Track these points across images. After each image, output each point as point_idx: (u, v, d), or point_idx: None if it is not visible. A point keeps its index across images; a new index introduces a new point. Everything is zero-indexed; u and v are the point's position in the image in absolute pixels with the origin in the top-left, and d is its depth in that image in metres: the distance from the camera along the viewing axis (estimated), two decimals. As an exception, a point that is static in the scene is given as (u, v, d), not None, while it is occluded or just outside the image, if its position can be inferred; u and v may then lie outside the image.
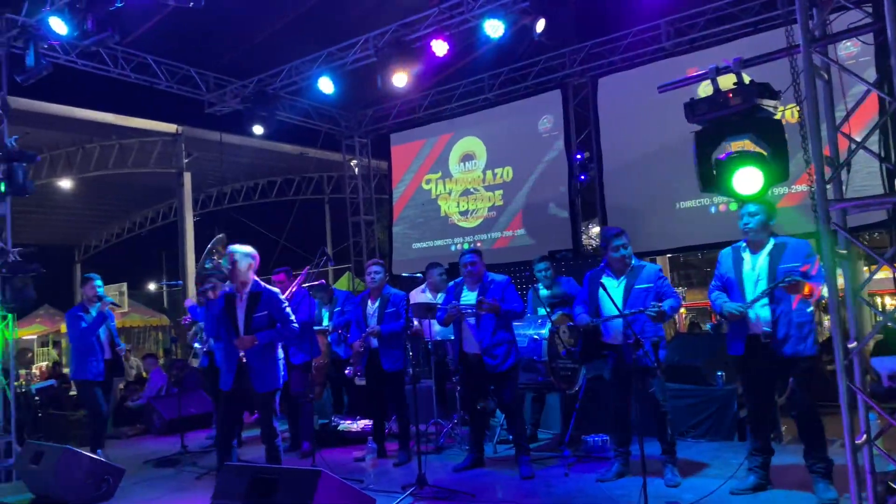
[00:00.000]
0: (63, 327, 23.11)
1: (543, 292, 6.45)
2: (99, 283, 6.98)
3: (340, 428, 7.12)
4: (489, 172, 10.66)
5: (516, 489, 5.07)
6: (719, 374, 6.42)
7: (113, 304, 7.24)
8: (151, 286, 27.81)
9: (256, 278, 4.90)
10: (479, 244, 10.59)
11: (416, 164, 11.49)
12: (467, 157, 10.90)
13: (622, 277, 4.95)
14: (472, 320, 5.45)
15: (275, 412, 4.81)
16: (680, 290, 23.13)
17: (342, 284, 17.21)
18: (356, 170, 12.94)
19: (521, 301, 5.46)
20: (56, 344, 24.55)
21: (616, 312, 4.60)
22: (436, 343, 6.67)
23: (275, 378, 4.81)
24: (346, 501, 3.90)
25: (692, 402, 6.37)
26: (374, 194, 13.11)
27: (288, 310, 4.88)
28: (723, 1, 8.50)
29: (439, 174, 11.20)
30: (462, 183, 10.91)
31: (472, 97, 10.78)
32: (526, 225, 10.24)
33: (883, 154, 3.06)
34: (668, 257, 14.77)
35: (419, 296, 6.90)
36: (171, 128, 14.63)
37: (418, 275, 5.55)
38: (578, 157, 10.00)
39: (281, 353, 4.95)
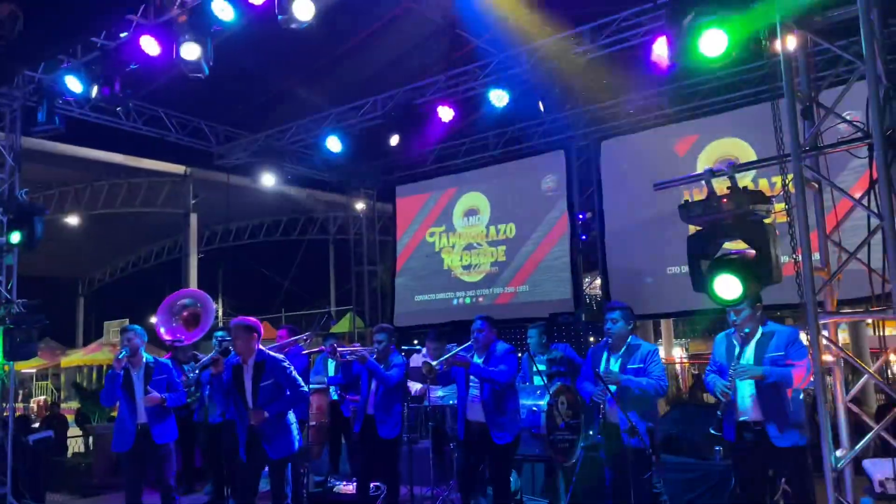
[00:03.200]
0: (63, 361, 23.09)
1: (541, 367, 6.45)
2: None
3: (336, 490, 7.09)
4: (492, 228, 10.76)
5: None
6: (717, 448, 6.40)
7: None
8: (154, 320, 27.85)
9: (260, 347, 4.99)
10: (480, 299, 10.64)
11: (421, 216, 11.61)
12: (471, 212, 11.02)
13: (619, 355, 4.98)
14: (475, 390, 5.47)
15: (287, 479, 4.91)
16: (683, 341, 23.02)
17: (343, 325, 17.26)
18: (361, 214, 13.05)
19: (509, 373, 5.35)
20: (55, 377, 24.49)
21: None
22: (434, 407, 6.68)
23: (289, 443, 4.92)
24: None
25: (689, 477, 6.35)
26: (378, 236, 13.22)
27: (294, 374, 4.97)
28: (725, 71, 8.66)
29: (443, 227, 11.31)
30: (465, 237, 11.01)
31: (477, 153, 10.94)
32: (528, 282, 10.30)
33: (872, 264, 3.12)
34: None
35: (419, 360, 6.93)
36: (179, 169, 14.84)
37: (417, 347, 5.58)
38: (581, 216, 10.10)
39: (293, 418, 5.04)
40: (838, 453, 3.07)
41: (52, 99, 7.47)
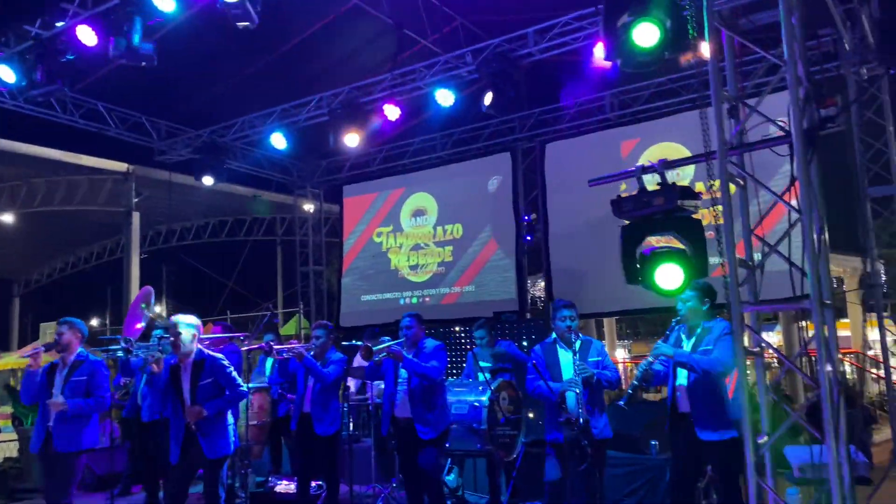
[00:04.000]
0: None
1: (485, 364, 6.50)
2: None
3: (277, 489, 7.02)
4: (440, 228, 10.81)
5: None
6: (653, 443, 6.57)
7: None
8: (94, 322, 27.04)
9: (200, 346, 4.92)
10: (427, 299, 10.68)
11: (368, 216, 11.60)
12: (418, 213, 11.06)
13: (573, 350, 5.03)
14: (403, 386, 5.49)
15: (222, 481, 4.83)
16: (625, 342, 23.60)
17: (290, 328, 17.06)
18: (308, 216, 12.95)
19: (440, 369, 5.41)
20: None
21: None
22: (377, 405, 6.68)
23: (226, 444, 4.83)
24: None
25: (627, 471, 6.49)
26: (325, 237, 13.13)
27: (234, 373, 4.91)
28: (665, 77, 8.92)
29: (390, 228, 11.31)
30: (412, 238, 11.04)
31: (424, 154, 11.00)
32: (474, 282, 10.38)
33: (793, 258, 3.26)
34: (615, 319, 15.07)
35: (360, 361, 6.92)
36: (121, 166, 14.42)
37: (359, 343, 5.56)
38: (526, 218, 10.23)
39: (231, 419, 4.97)
40: (760, 440, 3.19)
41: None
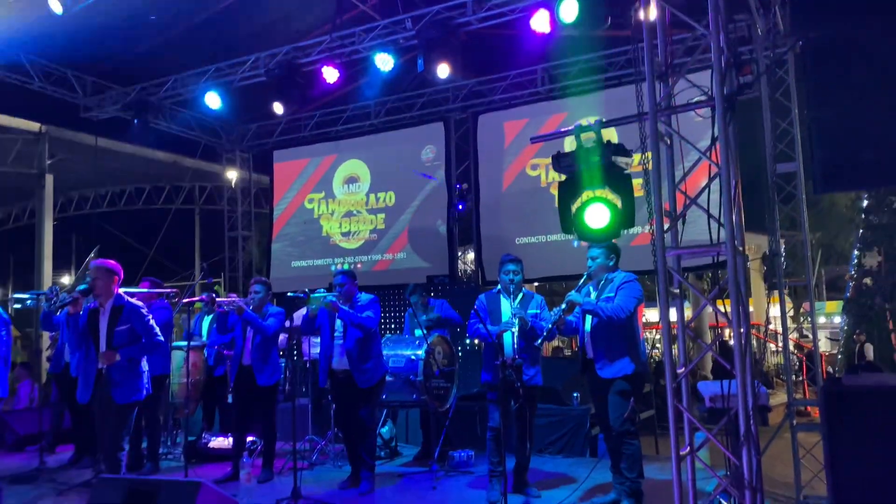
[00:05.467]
0: None
1: (423, 317, 6.75)
2: None
3: (211, 445, 7.10)
4: (372, 196, 10.95)
5: (387, 501, 5.35)
6: (575, 395, 7.04)
7: None
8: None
9: (120, 292, 5.01)
10: (359, 265, 10.83)
11: (300, 182, 11.60)
12: (351, 180, 11.15)
13: (516, 301, 5.37)
14: (339, 339, 5.68)
15: (127, 426, 4.90)
16: (554, 309, 24.43)
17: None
18: (232, 182, 12.79)
19: (375, 319, 5.62)
20: None
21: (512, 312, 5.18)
22: (313, 362, 6.85)
23: (136, 390, 4.94)
24: (225, 513, 4.03)
25: (550, 421, 6.94)
26: (252, 208, 13.02)
27: (152, 322, 5.02)
28: (594, 54, 9.31)
29: (322, 194, 11.36)
30: (345, 205, 11.14)
31: (358, 122, 11.06)
32: (406, 249, 10.60)
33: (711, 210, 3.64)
34: (535, 285, 15.62)
35: (299, 318, 7.04)
36: (33, 126, 13.77)
37: (301, 295, 5.70)
38: (457, 187, 10.51)
39: (145, 366, 5.08)
40: (679, 371, 3.57)
41: None
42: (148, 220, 20.31)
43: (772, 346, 15.94)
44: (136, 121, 9.13)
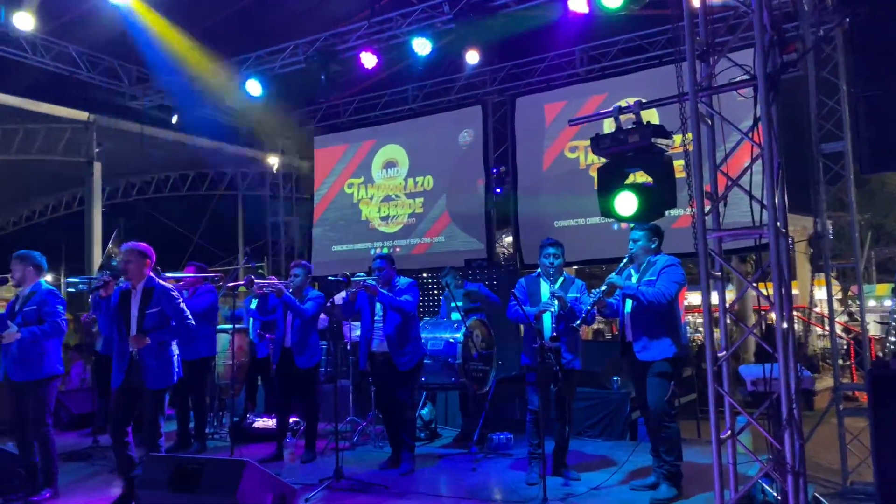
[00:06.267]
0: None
1: (459, 303, 6.78)
2: None
3: (255, 425, 7.27)
4: (410, 180, 11.00)
5: (427, 482, 5.42)
6: (615, 379, 7.01)
7: None
8: (49, 277, 26.61)
9: (152, 275, 4.95)
10: (398, 249, 10.90)
11: (339, 167, 11.71)
12: (390, 165, 11.21)
13: (556, 285, 5.37)
14: (379, 322, 5.76)
15: (163, 411, 4.82)
16: (594, 291, 24.32)
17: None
18: (274, 168, 12.98)
19: (412, 301, 5.66)
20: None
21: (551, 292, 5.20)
22: (354, 344, 6.94)
23: (168, 375, 4.84)
24: (269, 490, 4.14)
25: (589, 404, 6.93)
26: (294, 193, 13.20)
27: (182, 305, 4.93)
28: (634, 34, 9.17)
29: (362, 179, 11.45)
30: (384, 189, 11.21)
31: (396, 106, 11.11)
32: (444, 232, 10.64)
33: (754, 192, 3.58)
34: (575, 268, 15.54)
35: (340, 300, 7.14)
36: (81, 115, 14.14)
37: (341, 278, 5.77)
38: (495, 170, 10.49)
39: (175, 350, 4.99)
40: (720, 354, 3.54)
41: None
42: (193, 205, 20.73)
43: (818, 330, 15.62)
44: (176, 112, 9.29)
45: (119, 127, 13.58)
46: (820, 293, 9.52)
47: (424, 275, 9.95)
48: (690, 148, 3.54)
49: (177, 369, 4.93)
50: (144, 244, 4.98)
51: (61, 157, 15.40)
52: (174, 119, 9.76)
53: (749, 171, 3.59)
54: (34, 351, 5.03)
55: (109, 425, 4.94)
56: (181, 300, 4.97)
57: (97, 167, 15.21)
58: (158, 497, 4.17)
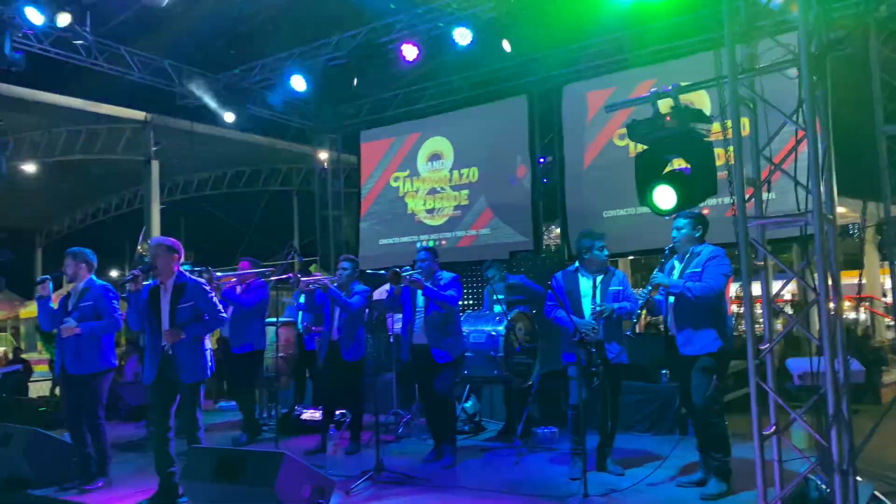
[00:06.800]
0: (23, 312, 22.79)
1: (500, 296, 6.72)
2: None
3: (303, 417, 7.37)
4: (455, 172, 10.95)
5: (469, 475, 5.40)
6: (664, 372, 6.84)
7: None
8: (114, 273, 27.57)
9: (181, 270, 4.96)
10: (443, 242, 10.89)
11: (385, 161, 11.75)
12: (435, 157, 11.19)
13: (597, 279, 5.26)
14: (420, 315, 5.75)
15: (199, 404, 4.84)
16: (640, 291, 23.79)
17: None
18: (325, 164, 13.12)
19: (455, 297, 5.67)
20: (15, 330, 24.23)
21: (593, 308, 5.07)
22: (397, 337, 6.96)
23: (202, 369, 4.83)
24: (307, 482, 4.18)
25: (638, 398, 6.78)
26: (343, 188, 13.31)
27: (215, 299, 4.91)
28: (685, 16, 8.86)
29: (407, 172, 11.47)
30: (429, 182, 11.20)
31: (441, 98, 11.04)
32: (489, 225, 10.56)
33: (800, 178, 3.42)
34: (630, 259, 15.22)
35: (383, 293, 7.17)
36: (139, 115, 14.58)
37: (382, 272, 5.80)
38: (541, 160, 10.33)
39: (208, 344, 4.98)
40: (762, 347, 3.40)
41: (12, 32, 7.37)
42: (248, 202, 21.18)
43: (888, 321, 14.95)
44: (222, 108, 9.47)
45: (175, 125, 13.97)
46: (888, 282, 9.08)
47: (467, 269, 9.87)
48: (731, 135, 3.39)
49: (210, 363, 4.92)
50: (173, 239, 5.02)
51: (121, 156, 15.95)
52: (227, 117, 9.92)
53: (795, 157, 3.42)
54: (91, 345, 5.20)
55: (149, 422, 4.99)
56: (213, 294, 4.96)
57: (155, 165, 15.69)
58: (201, 487, 4.26)
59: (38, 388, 12.38)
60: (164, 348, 4.75)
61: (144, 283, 4.92)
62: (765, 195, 3.58)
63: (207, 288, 4.93)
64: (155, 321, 4.82)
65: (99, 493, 5.12)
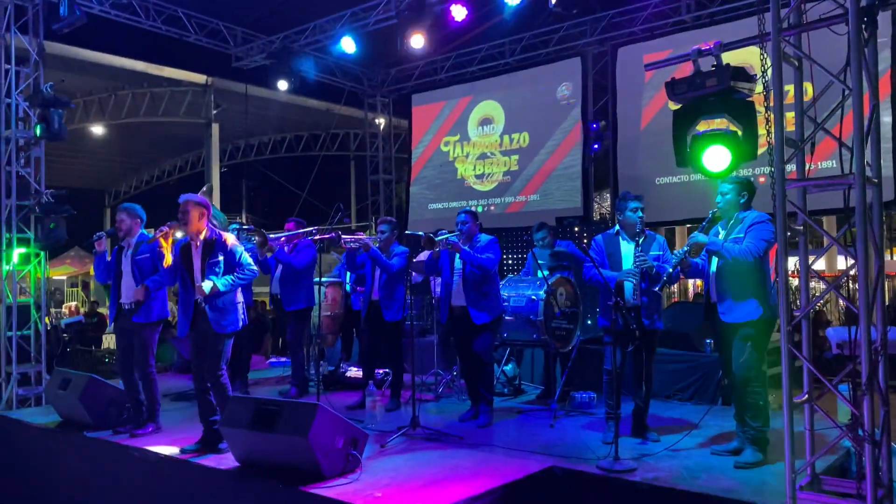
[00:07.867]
0: (92, 269, 23.86)
1: (542, 262, 6.68)
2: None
3: (348, 374, 7.54)
4: (506, 137, 10.86)
5: (503, 435, 5.45)
6: (708, 341, 6.71)
7: None
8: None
9: (211, 225, 5.08)
10: (492, 208, 10.86)
11: (436, 125, 11.73)
12: (486, 121, 11.11)
13: (639, 240, 5.18)
14: (458, 277, 5.77)
15: (225, 354, 4.96)
16: (676, 252, 23.39)
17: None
18: (379, 128, 13.20)
19: (494, 260, 5.65)
20: (85, 285, 25.34)
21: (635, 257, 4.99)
22: (439, 299, 7.01)
23: (234, 320, 4.98)
24: (341, 434, 4.30)
25: (680, 367, 6.69)
26: (394, 153, 13.38)
27: (244, 255, 5.04)
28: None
29: (458, 137, 11.43)
30: (479, 147, 11.14)
31: (492, 61, 10.93)
32: (539, 191, 10.47)
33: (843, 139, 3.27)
34: (688, 227, 14.92)
35: (421, 257, 7.21)
36: (200, 78, 14.94)
37: (420, 234, 5.83)
38: (594, 126, 10.15)
39: (240, 297, 5.11)
40: (796, 314, 3.30)
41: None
42: (306, 165, 21.49)
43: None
44: (276, 72, 9.57)
45: (233, 89, 14.24)
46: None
47: (512, 235, 9.81)
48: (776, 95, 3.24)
49: (242, 315, 5.07)
50: (200, 195, 5.14)
51: (183, 119, 16.38)
52: (281, 85, 10.04)
53: (840, 118, 3.28)
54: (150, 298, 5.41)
55: (191, 372, 5.18)
56: (243, 250, 5.08)
57: (215, 128, 16.11)
58: (239, 434, 4.43)
59: (109, 340, 13.00)
60: (197, 301, 4.92)
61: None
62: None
63: (236, 242, 5.06)
64: (187, 276, 4.98)
65: (148, 437, 5.37)
